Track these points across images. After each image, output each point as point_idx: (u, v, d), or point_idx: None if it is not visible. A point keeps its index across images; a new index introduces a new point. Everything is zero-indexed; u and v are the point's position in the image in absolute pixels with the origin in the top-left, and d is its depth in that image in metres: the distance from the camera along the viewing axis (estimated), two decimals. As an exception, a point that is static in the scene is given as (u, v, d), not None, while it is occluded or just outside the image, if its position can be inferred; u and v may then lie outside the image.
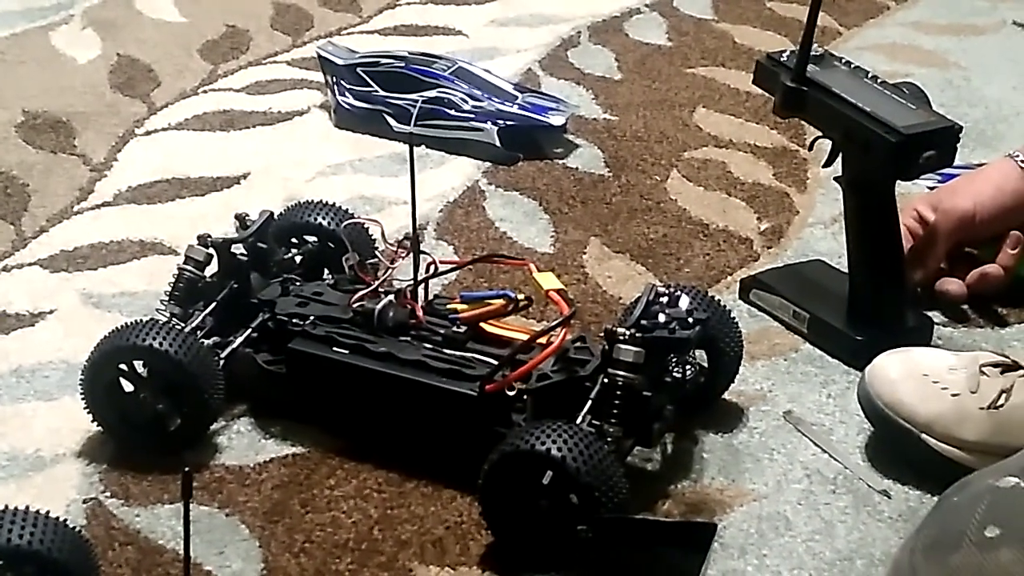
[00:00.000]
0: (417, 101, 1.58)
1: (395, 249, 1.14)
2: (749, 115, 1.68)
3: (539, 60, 1.85)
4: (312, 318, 1.11)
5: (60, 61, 1.82)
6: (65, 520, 0.86)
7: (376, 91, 1.62)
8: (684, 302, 1.06)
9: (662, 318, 1.04)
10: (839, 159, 1.20)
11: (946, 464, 1.04)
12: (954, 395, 1.06)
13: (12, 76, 1.76)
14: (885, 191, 1.20)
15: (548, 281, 1.08)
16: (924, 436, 1.06)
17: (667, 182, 1.52)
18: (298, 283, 1.16)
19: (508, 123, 1.57)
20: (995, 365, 1.08)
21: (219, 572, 0.97)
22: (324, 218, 1.22)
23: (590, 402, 1.00)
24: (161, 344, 1.04)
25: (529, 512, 0.95)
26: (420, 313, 1.10)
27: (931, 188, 1.41)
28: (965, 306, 1.30)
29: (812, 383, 1.19)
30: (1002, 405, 1.05)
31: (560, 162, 1.57)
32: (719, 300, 1.14)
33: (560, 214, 1.46)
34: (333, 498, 1.04)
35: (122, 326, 1.07)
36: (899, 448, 1.08)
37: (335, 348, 1.08)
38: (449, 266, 1.21)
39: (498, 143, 1.56)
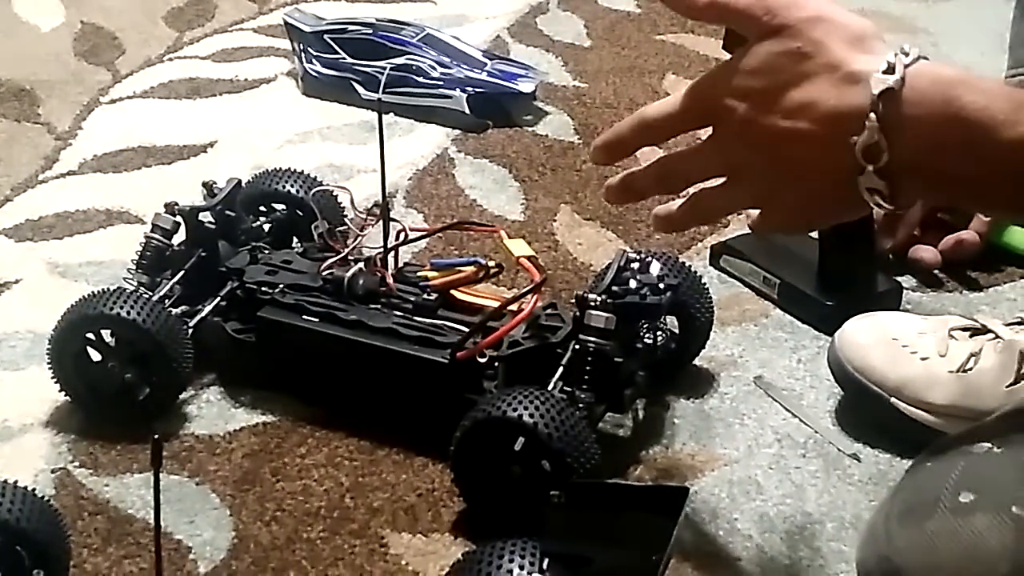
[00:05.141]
0: (385, 68, 1.57)
1: (364, 217, 1.14)
2: (718, 82, 1.68)
3: (508, 27, 1.84)
4: (281, 286, 1.10)
5: (23, 28, 1.80)
6: (34, 490, 0.86)
7: (344, 58, 1.62)
8: (655, 268, 1.07)
9: (633, 284, 1.05)
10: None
11: (916, 427, 1.05)
12: (923, 359, 1.07)
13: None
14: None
15: (519, 248, 1.08)
16: (894, 400, 1.07)
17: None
18: (267, 251, 1.16)
19: (477, 90, 1.57)
20: (964, 329, 1.09)
21: (190, 541, 0.97)
22: (293, 186, 1.22)
23: (561, 368, 1.01)
24: (129, 313, 1.04)
25: (501, 478, 0.96)
26: (390, 281, 1.10)
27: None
28: (939, 272, 1.30)
29: (782, 348, 1.20)
30: (971, 368, 1.06)
31: (530, 129, 1.56)
32: (690, 266, 1.14)
33: (530, 181, 1.46)
34: (304, 466, 1.04)
35: (89, 295, 1.07)
36: (869, 412, 1.09)
37: (305, 316, 1.08)
38: (419, 234, 1.21)
39: (467, 110, 1.56)
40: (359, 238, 1.12)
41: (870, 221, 1.24)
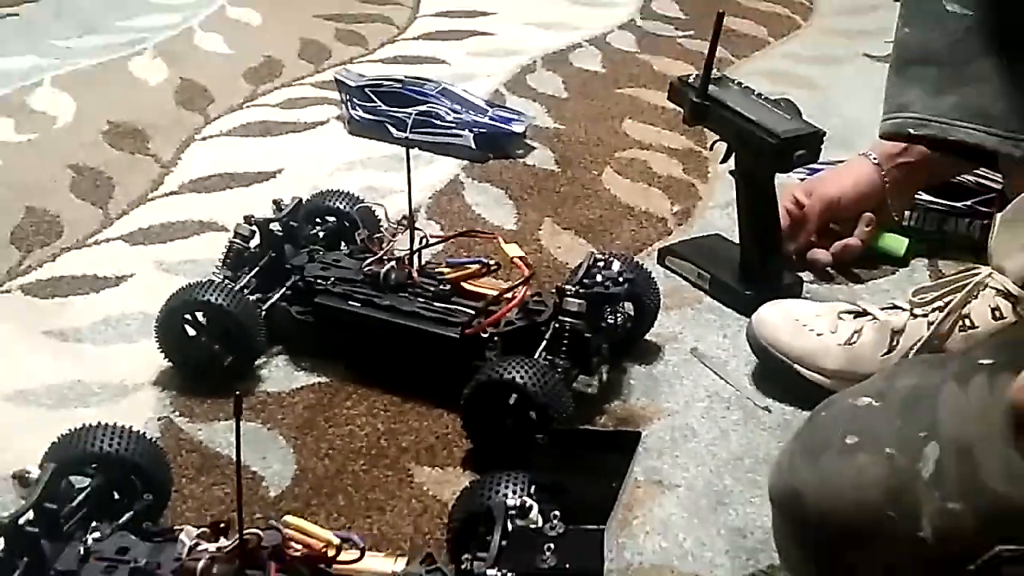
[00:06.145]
0: (411, 114, 1.57)
1: (395, 226, 1.14)
2: (664, 124, 1.68)
3: (505, 83, 1.84)
4: (332, 279, 1.10)
5: (136, 84, 1.80)
6: (144, 433, 0.87)
7: (380, 106, 1.61)
8: (615, 266, 1.07)
9: (599, 278, 1.05)
10: (733, 157, 1.21)
11: (813, 387, 1.05)
12: (819, 335, 1.07)
13: (99, 95, 1.73)
14: (767, 181, 1.20)
15: (512, 250, 1.08)
16: (796, 366, 1.07)
17: (602, 176, 1.52)
18: (321, 252, 1.16)
19: (481, 131, 1.57)
20: (849, 312, 1.09)
21: (263, 472, 0.97)
22: (341, 203, 1.22)
23: (545, 342, 1.01)
24: (217, 299, 1.04)
25: (499, 425, 0.96)
26: (415, 275, 1.10)
27: (802, 179, 1.41)
28: (831, 269, 1.30)
29: (712, 327, 1.20)
30: (855, 342, 1.06)
31: (521, 160, 1.56)
32: (642, 264, 1.14)
33: (521, 200, 1.45)
34: (350, 416, 1.05)
35: (186, 286, 1.07)
36: (777, 376, 1.09)
37: (350, 302, 1.08)
38: (437, 239, 1.21)
39: (473, 146, 1.55)
40: (391, 242, 1.12)
41: (778, 230, 1.24)
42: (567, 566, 0.71)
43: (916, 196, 1.33)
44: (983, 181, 1.33)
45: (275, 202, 1.17)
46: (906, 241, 1.33)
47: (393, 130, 1.60)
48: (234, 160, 1.55)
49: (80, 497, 0.83)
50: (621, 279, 1.05)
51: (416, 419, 1.04)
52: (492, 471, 0.82)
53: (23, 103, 1.69)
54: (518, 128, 1.58)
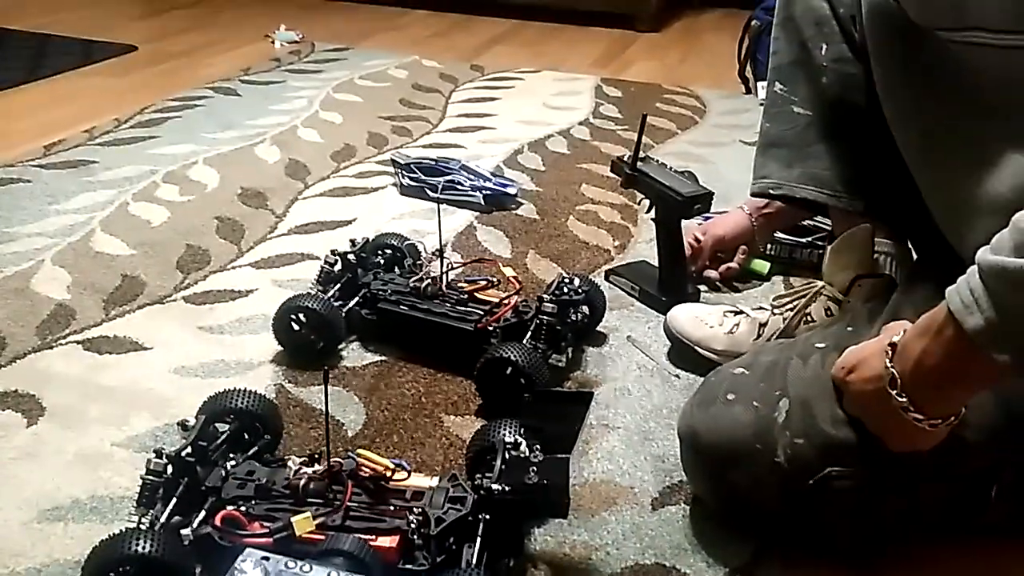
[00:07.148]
0: (441, 182, 1.57)
1: (431, 256, 1.14)
2: (608, 187, 1.68)
3: (503, 160, 1.83)
4: (389, 291, 1.10)
5: (259, 162, 1.80)
6: (264, 394, 0.87)
7: (420, 176, 1.61)
8: (577, 282, 1.07)
9: (566, 290, 1.05)
10: (653, 209, 1.21)
11: (707, 362, 1.06)
12: (711, 327, 1.07)
13: (235, 170, 1.73)
14: (676, 225, 1.21)
15: (508, 272, 1.08)
16: (697, 348, 1.07)
17: (567, 222, 1.52)
18: (382, 274, 1.16)
19: (487, 192, 1.57)
20: (731, 312, 1.09)
21: (343, 420, 0.97)
22: (395, 240, 1.22)
23: (529, 332, 1.01)
24: (313, 305, 1.04)
25: (499, 388, 0.96)
26: (444, 288, 1.10)
27: (699, 223, 1.42)
28: (719, 284, 1.31)
29: (641, 321, 1.20)
30: (735, 332, 1.06)
31: (514, 212, 1.56)
32: (595, 280, 1.14)
33: (515, 237, 1.45)
34: (401, 382, 1.05)
35: (292, 296, 1.07)
36: (684, 354, 1.09)
37: (401, 306, 1.08)
38: (458, 264, 1.21)
39: (482, 203, 1.55)
40: (428, 266, 1.13)
41: (684, 258, 1.24)
42: (545, 481, 0.72)
43: (775, 234, 1.34)
44: (818, 224, 1.34)
45: (351, 240, 1.17)
46: (768, 265, 1.33)
47: (429, 192, 1.60)
48: (324, 212, 1.55)
49: (222, 437, 0.83)
50: (580, 290, 1.06)
51: (445, 384, 1.04)
52: (495, 419, 0.82)
53: (185, 175, 1.69)
54: (512, 191, 1.58)
